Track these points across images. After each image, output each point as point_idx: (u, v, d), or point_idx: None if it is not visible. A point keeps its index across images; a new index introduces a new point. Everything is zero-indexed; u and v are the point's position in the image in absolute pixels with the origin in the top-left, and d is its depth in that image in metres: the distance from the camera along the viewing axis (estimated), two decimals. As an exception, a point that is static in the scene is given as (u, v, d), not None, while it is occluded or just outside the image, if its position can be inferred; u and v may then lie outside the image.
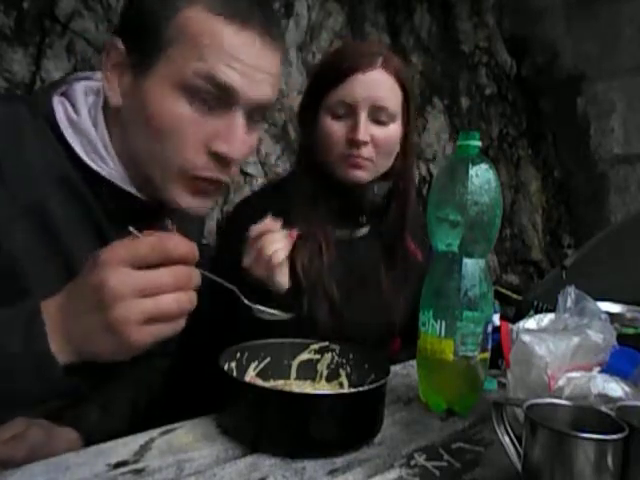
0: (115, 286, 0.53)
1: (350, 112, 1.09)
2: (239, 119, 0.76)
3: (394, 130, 1.13)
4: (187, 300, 0.57)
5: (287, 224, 1.06)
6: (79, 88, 0.79)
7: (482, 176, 0.78)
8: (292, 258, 1.04)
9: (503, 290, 2.55)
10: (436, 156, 3.09)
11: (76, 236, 0.76)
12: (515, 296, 2.47)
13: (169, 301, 0.56)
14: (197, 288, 0.58)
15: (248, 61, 0.74)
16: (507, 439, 0.63)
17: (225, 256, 1.09)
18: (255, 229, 0.94)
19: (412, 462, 0.67)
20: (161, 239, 0.56)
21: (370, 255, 1.19)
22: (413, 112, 1.17)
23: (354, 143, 1.08)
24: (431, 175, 3.02)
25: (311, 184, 1.14)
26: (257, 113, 0.79)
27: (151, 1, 0.74)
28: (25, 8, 1.73)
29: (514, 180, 3.59)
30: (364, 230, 1.20)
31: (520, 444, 0.60)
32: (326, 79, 1.12)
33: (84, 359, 0.58)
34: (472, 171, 0.78)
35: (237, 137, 0.75)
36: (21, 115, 0.74)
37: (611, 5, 3.23)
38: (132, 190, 0.79)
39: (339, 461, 0.66)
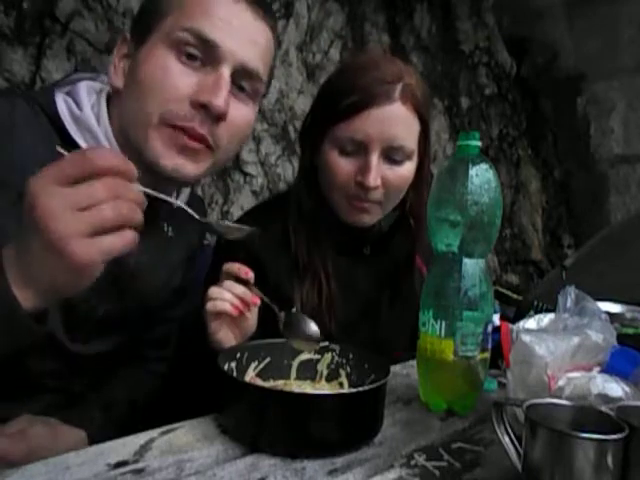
0: (45, 204, 0.51)
1: (360, 150, 0.96)
2: (225, 74, 0.77)
3: (408, 169, 1.01)
4: (126, 208, 0.54)
5: (288, 246, 1.02)
6: (82, 87, 0.81)
7: (482, 176, 0.78)
8: (290, 293, 0.99)
9: (503, 290, 2.55)
10: (436, 156, 3.10)
11: None
12: (515, 296, 2.47)
13: (107, 210, 0.52)
14: (138, 202, 0.55)
15: (235, 23, 0.77)
16: (507, 439, 0.63)
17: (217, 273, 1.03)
18: (226, 267, 0.83)
19: (412, 462, 0.67)
20: (84, 152, 0.54)
21: (372, 287, 1.10)
22: (430, 142, 1.06)
23: (363, 187, 0.97)
24: (431, 175, 3.01)
25: (312, 211, 1.05)
26: (245, 81, 0.81)
27: None
28: (25, 8, 1.73)
29: (514, 180, 3.59)
30: (367, 259, 1.10)
31: (520, 444, 0.60)
32: (335, 108, 0.97)
33: (49, 298, 0.56)
34: (472, 171, 0.78)
35: (222, 89, 0.76)
36: (18, 108, 0.74)
37: (611, 5, 3.23)
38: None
39: (339, 461, 0.66)
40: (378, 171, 0.96)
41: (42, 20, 1.78)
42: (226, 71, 0.77)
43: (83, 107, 0.78)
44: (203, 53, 0.76)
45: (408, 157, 1.00)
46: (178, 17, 0.76)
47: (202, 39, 0.75)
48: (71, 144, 0.75)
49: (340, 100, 0.96)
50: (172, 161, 0.78)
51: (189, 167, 0.79)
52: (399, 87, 0.96)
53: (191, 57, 0.76)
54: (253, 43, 0.80)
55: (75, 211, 0.52)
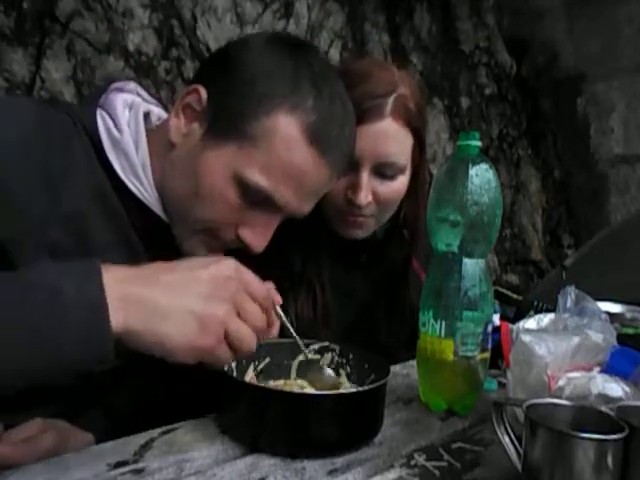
0: (236, 294, 0.58)
1: (351, 167, 0.92)
2: (276, 221, 0.80)
3: (401, 183, 0.98)
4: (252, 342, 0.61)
5: (282, 255, 1.00)
6: (119, 102, 0.79)
7: (482, 176, 0.78)
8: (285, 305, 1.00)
9: (503, 290, 2.54)
10: (436, 156, 3.09)
11: (107, 250, 0.76)
12: (515, 296, 2.47)
13: (247, 332, 0.60)
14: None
15: (310, 186, 0.78)
16: (507, 439, 0.63)
17: None
18: None
19: (412, 462, 0.67)
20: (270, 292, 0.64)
21: (369, 294, 1.09)
22: (425, 153, 1.03)
23: (353, 204, 0.94)
24: (431, 175, 3.01)
25: (306, 221, 0.98)
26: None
27: (252, 84, 0.75)
28: (25, 8, 1.73)
29: (514, 180, 3.59)
30: (363, 266, 1.09)
31: (520, 444, 0.60)
32: None
33: (133, 339, 0.55)
34: (472, 171, 0.78)
35: (268, 235, 0.80)
36: (67, 124, 0.75)
37: (611, 5, 3.22)
38: (162, 215, 0.80)
39: (339, 461, 0.66)
40: (369, 188, 0.94)
41: (42, 20, 1.78)
42: (279, 219, 0.80)
43: (122, 127, 0.77)
44: (265, 202, 0.77)
45: (401, 171, 0.97)
46: (261, 160, 0.74)
47: (272, 201, 0.76)
48: (109, 165, 0.76)
49: None
50: (198, 254, 0.80)
51: (204, 253, 0.83)
52: (391, 100, 0.92)
53: (252, 198, 0.77)
54: (316, 196, 0.82)
55: (238, 317, 0.59)
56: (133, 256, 0.78)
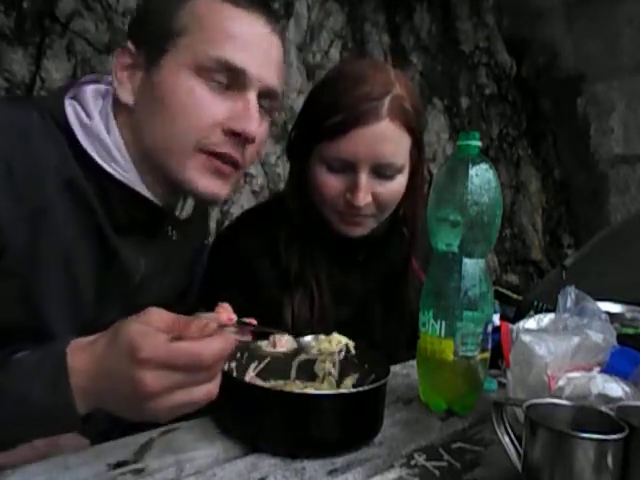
0: (152, 387, 0.55)
1: (349, 168, 0.94)
2: (253, 100, 0.79)
3: (400, 183, 0.99)
4: (214, 390, 0.59)
5: (280, 255, 1.01)
6: (89, 92, 0.80)
7: (482, 176, 0.78)
8: (282, 307, 0.99)
9: (503, 290, 2.54)
10: (436, 156, 3.09)
11: (78, 241, 0.76)
12: (515, 296, 2.47)
13: (200, 395, 0.58)
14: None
15: (257, 45, 0.79)
16: (507, 439, 0.63)
17: (212, 284, 1.03)
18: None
19: (412, 462, 0.67)
20: (200, 354, 0.56)
21: (367, 293, 1.09)
22: (424, 151, 1.02)
23: (352, 205, 0.95)
24: (431, 175, 3.02)
25: (303, 222, 1.02)
26: (265, 100, 0.83)
27: (157, 1, 0.80)
28: (25, 8, 1.73)
29: (514, 180, 3.59)
30: (361, 265, 1.09)
31: (520, 444, 0.60)
32: (319, 127, 0.94)
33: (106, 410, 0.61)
34: (472, 171, 0.78)
35: (252, 116, 0.79)
36: (31, 118, 0.74)
37: (611, 5, 3.23)
38: (146, 193, 0.80)
39: (339, 461, 0.66)
40: (367, 189, 0.94)
41: (42, 20, 1.78)
42: (253, 97, 0.79)
43: (92, 114, 0.77)
44: (229, 79, 0.77)
45: (399, 171, 0.97)
46: (200, 40, 0.76)
47: (230, 68, 0.76)
48: (81, 152, 0.76)
49: (324, 119, 0.93)
50: (208, 186, 0.80)
51: (222, 190, 0.82)
52: (387, 102, 0.92)
53: (218, 83, 0.77)
54: (272, 62, 0.81)
55: (171, 391, 0.56)
56: (104, 248, 0.78)
